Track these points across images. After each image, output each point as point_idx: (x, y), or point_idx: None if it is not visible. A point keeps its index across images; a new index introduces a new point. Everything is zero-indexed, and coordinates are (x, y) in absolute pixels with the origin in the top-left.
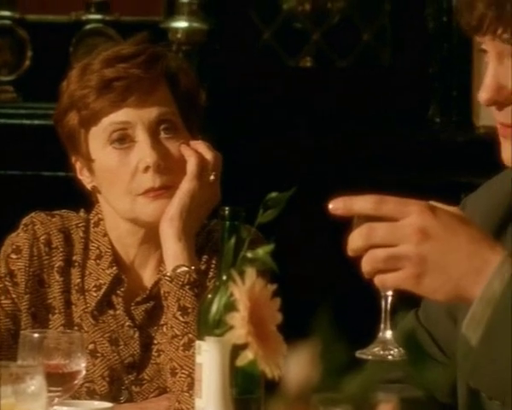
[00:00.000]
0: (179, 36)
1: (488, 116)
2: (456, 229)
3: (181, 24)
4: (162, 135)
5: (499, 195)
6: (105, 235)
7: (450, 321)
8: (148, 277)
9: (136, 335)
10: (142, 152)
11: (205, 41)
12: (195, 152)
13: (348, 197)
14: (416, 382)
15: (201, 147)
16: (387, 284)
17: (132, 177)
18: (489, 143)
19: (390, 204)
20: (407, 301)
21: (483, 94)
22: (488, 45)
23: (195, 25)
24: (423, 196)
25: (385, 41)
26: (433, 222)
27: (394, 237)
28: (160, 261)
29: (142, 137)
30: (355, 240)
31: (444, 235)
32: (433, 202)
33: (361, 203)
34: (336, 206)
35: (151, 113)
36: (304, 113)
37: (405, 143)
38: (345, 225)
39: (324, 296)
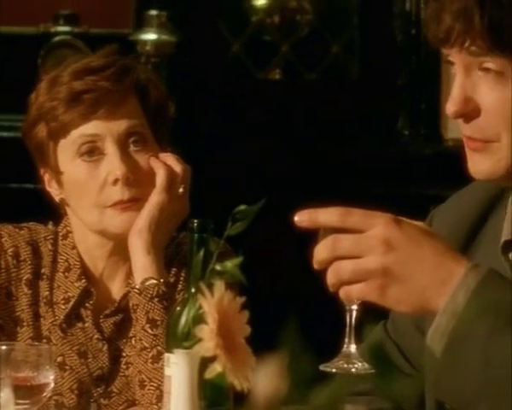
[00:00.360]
0: (148, 48)
1: (456, 129)
2: (421, 241)
3: (150, 36)
4: (131, 147)
5: (467, 207)
6: (74, 247)
7: (417, 333)
8: (116, 289)
9: (105, 348)
10: (112, 165)
11: (174, 53)
12: (164, 164)
13: (313, 209)
14: (384, 394)
15: (170, 159)
16: (352, 296)
17: (101, 189)
18: (457, 156)
19: (355, 216)
20: (376, 313)
21: (450, 106)
22: (455, 57)
23: (164, 37)
24: (392, 208)
25: (353, 53)
26: (398, 234)
27: (359, 249)
28: (129, 274)
29: (111, 150)
30: (320, 252)
31: (408, 247)
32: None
33: (326, 215)
34: (301, 218)
35: (120, 125)
36: (273, 125)
37: (374, 156)
38: (312, 236)
39: (292, 309)
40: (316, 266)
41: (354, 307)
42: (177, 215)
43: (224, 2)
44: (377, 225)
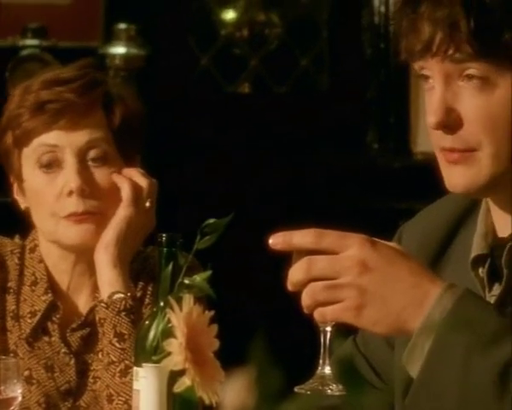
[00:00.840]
0: (117, 62)
1: (425, 142)
2: (396, 262)
3: (119, 50)
4: (91, 161)
5: (437, 222)
6: (41, 261)
7: (387, 348)
8: (83, 303)
9: (72, 362)
10: (68, 176)
11: (143, 67)
12: (129, 179)
13: (288, 232)
14: (353, 408)
15: (135, 174)
16: (327, 317)
17: (57, 199)
18: (426, 169)
19: (329, 238)
20: (346, 328)
21: (432, 118)
22: (435, 68)
23: (133, 51)
24: (361, 222)
25: (322, 67)
26: (373, 254)
27: (334, 270)
28: (96, 288)
29: (69, 162)
30: (295, 274)
31: (384, 267)
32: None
33: (300, 237)
34: (276, 241)
35: (81, 138)
36: (242, 139)
37: (343, 169)
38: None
39: (261, 323)
40: (290, 287)
41: (328, 328)
42: (144, 229)
43: (194, 16)
44: (352, 246)
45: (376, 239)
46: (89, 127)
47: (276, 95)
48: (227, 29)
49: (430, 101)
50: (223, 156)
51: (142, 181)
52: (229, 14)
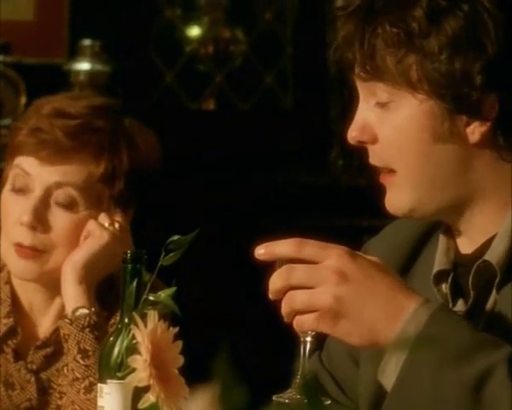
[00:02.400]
0: (81, 78)
1: None
2: (374, 275)
3: (83, 66)
4: (54, 202)
5: (401, 239)
6: (7, 282)
7: (351, 363)
8: (48, 323)
9: (33, 379)
10: (26, 207)
11: (107, 84)
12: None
13: (270, 242)
14: None
15: (91, 227)
16: (305, 326)
17: (13, 225)
18: None
19: (310, 247)
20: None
21: (350, 132)
22: (357, 84)
23: (98, 67)
24: (326, 239)
25: (286, 83)
26: (351, 266)
27: (312, 279)
28: (62, 308)
29: (34, 194)
30: (275, 281)
31: (362, 279)
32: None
33: (282, 247)
34: (259, 252)
35: (51, 176)
36: (206, 155)
37: (307, 186)
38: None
39: (225, 339)
40: (271, 295)
41: (308, 338)
42: (120, 255)
43: (158, 33)
44: (331, 257)
45: (357, 252)
46: (65, 169)
47: (240, 112)
48: (191, 45)
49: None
50: (186, 172)
51: (102, 233)
52: (194, 31)
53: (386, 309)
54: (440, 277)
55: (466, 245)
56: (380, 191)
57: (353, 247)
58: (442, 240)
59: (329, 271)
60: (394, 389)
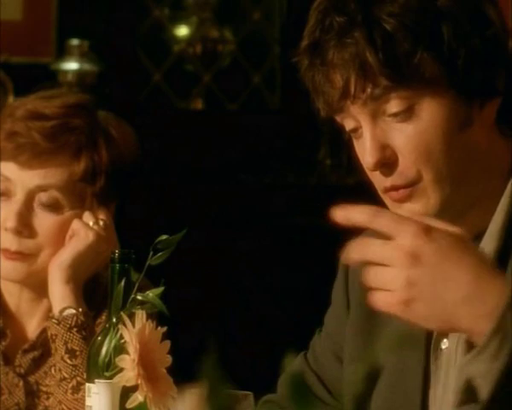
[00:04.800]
0: (69, 77)
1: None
2: (453, 255)
3: (71, 66)
4: (38, 205)
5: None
6: None
7: (338, 363)
8: (35, 326)
9: (21, 383)
10: (9, 212)
11: (95, 83)
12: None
13: (348, 207)
14: None
15: (76, 226)
16: (378, 306)
17: None
18: None
19: (385, 220)
20: (297, 344)
21: (369, 159)
22: (359, 112)
23: (86, 66)
24: (314, 238)
25: (274, 83)
26: (427, 248)
27: (385, 258)
28: (49, 310)
29: (16, 198)
30: (351, 252)
31: (437, 262)
32: (431, 221)
33: (358, 214)
34: (337, 212)
35: (32, 180)
36: (194, 155)
37: (295, 186)
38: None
39: (213, 340)
40: (347, 261)
41: None
42: (104, 254)
43: (146, 32)
44: (406, 235)
45: (434, 227)
46: (45, 171)
47: (228, 111)
48: (180, 45)
49: (361, 146)
50: (174, 172)
51: (87, 232)
52: (182, 31)
53: (467, 292)
54: None
55: None
56: (367, 192)
57: (342, 246)
58: None
59: (402, 252)
60: (496, 389)
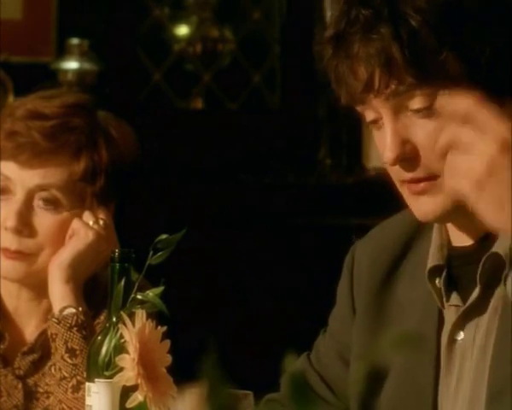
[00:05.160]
0: (70, 77)
1: (378, 158)
2: None
3: (71, 65)
4: (38, 204)
5: (389, 237)
6: None
7: (341, 363)
8: (33, 327)
9: (20, 385)
10: (9, 211)
11: (95, 83)
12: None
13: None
14: None
15: (76, 225)
16: (453, 188)
17: None
18: (379, 185)
19: (483, 114)
20: (298, 345)
21: (389, 153)
22: (381, 106)
23: (86, 66)
24: (315, 238)
25: (274, 83)
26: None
27: (474, 141)
28: (48, 311)
29: (16, 198)
30: (443, 137)
31: None
32: None
33: (460, 100)
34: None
35: (32, 179)
36: (194, 155)
37: (295, 186)
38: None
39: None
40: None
41: None
42: (104, 253)
43: (146, 31)
44: (503, 126)
45: None
46: (45, 171)
47: (229, 111)
48: (180, 44)
49: (382, 138)
50: (174, 171)
51: (87, 231)
52: (182, 30)
53: None
54: (434, 272)
55: (463, 238)
56: (367, 191)
57: (342, 246)
58: (436, 236)
59: (495, 135)
60: None
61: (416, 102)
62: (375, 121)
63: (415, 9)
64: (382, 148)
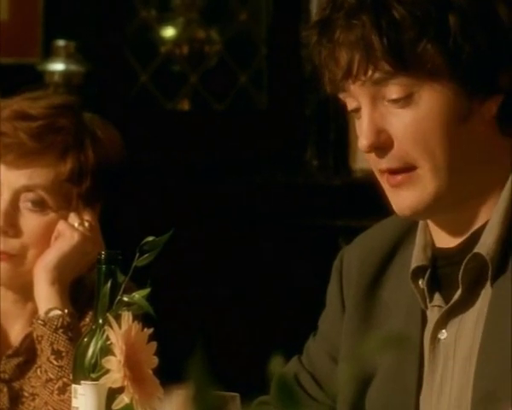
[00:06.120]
0: (56, 78)
1: (365, 159)
2: None
3: (58, 66)
4: (24, 205)
5: (376, 242)
6: None
7: (331, 364)
8: (19, 330)
9: (5, 389)
10: None
11: (82, 84)
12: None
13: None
14: None
15: (62, 228)
16: None
17: None
18: (366, 187)
19: None
20: (287, 348)
21: (363, 141)
22: (359, 92)
23: (72, 67)
24: (301, 238)
25: (261, 84)
26: None
27: None
28: (34, 314)
29: (2, 198)
30: None
31: None
32: None
33: None
34: None
35: (18, 180)
36: (181, 156)
37: (282, 187)
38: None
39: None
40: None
41: None
42: (90, 255)
43: (133, 33)
44: None
45: None
46: (31, 171)
47: (216, 112)
48: (166, 46)
49: (360, 125)
50: (161, 173)
51: (73, 233)
52: (169, 31)
53: None
54: (417, 273)
55: (447, 239)
56: (354, 192)
57: (328, 247)
58: (420, 237)
59: None
60: None
61: (394, 92)
62: (356, 110)
63: (398, 1)
64: (359, 134)
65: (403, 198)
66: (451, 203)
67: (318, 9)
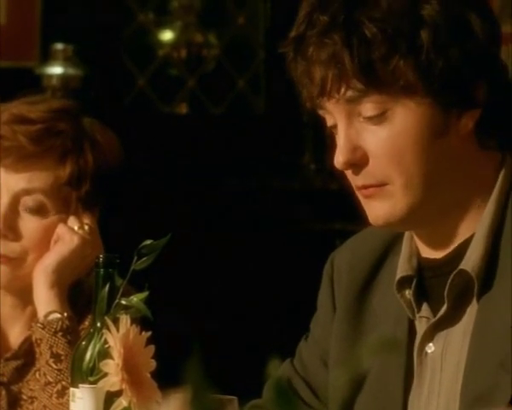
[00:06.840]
0: (54, 82)
1: None
2: None
3: (56, 70)
4: (23, 208)
5: (367, 246)
6: None
7: (324, 369)
8: (17, 334)
9: (4, 392)
10: None
11: (80, 87)
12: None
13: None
14: None
15: (61, 231)
16: None
17: None
18: None
19: None
20: (281, 350)
21: (339, 157)
22: (334, 111)
23: (70, 71)
24: (298, 242)
25: (259, 88)
26: None
27: None
28: (32, 317)
29: (2, 201)
30: None
31: None
32: None
33: None
34: None
35: (17, 183)
36: (178, 159)
37: (279, 191)
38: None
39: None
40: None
41: None
42: (88, 258)
43: (131, 36)
44: None
45: None
46: (30, 175)
47: (213, 116)
48: (164, 49)
49: (337, 143)
50: (158, 176)
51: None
52: (167, 35)
53: None
54: (403, 283)
55: (432, 250)
56: (351, 196)
57: (325, 251)
58: (405, 246)
59: None
60: None
61: (368, 109)
62: (333, 127)
63: (369, 18)
64: (336, 151)
65: (376, 209)
66: (429, 216)
67: (295, 25)
